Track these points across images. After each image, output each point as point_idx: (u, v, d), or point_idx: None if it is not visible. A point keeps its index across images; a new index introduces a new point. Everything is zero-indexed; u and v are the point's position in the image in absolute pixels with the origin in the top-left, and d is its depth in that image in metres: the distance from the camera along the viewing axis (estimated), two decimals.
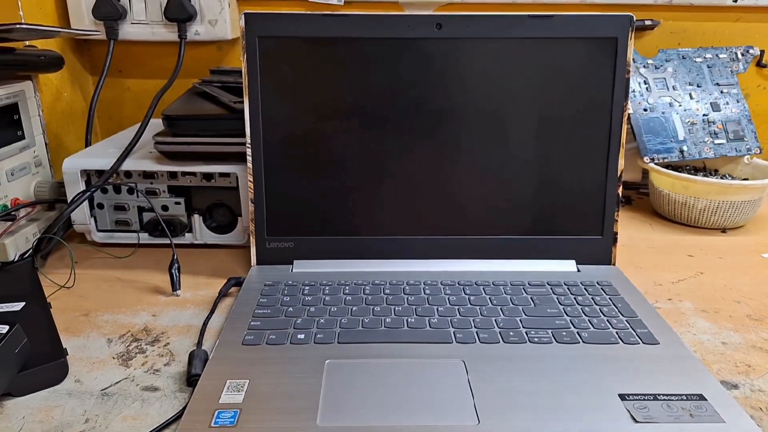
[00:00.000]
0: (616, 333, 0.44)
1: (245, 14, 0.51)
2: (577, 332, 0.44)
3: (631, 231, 0.68)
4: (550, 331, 0.44)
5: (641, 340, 0.43)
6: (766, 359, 0.43)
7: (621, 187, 0.54)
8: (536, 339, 0.43)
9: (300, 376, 0.38)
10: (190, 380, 0.39)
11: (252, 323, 0.45)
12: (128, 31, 0.77)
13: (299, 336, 0.43)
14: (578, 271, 0.54)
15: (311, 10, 0.81)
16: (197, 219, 0.60)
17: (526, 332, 0.44)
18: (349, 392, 0.37)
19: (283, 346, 0.42)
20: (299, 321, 0.45)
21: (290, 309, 0.47)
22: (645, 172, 0.74)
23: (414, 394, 0.37)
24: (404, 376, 0.39)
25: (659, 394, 0.37)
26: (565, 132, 0.53)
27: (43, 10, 0.73)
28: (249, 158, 0.53)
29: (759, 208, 0.68)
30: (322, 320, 0.45)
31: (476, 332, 0.44)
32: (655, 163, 0.70)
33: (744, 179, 0.71)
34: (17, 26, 0.52)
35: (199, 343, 0.44)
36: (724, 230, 0.68)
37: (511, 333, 0.44)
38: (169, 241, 0.55)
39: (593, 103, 0.53)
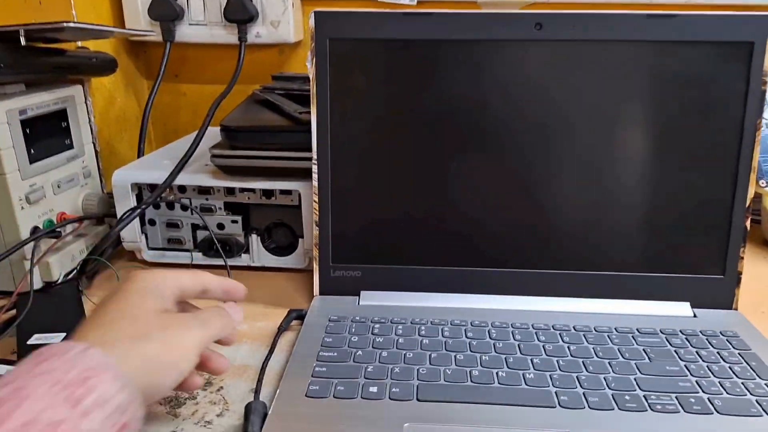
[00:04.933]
0: (756, 401, 0.36)
1: (315, 13, 0.45)
2: (708, 398, 0.37)
3: (745, 265, 0.58)
4: (674, 395, 0.37)
5: None
6: None
7: (749, 219, 0.46)
8: (659, 406, 0.36)
9: None
10: None
11: (317, 369, 0.39)
12: (185, 32, 0.73)
13: (371, 389, 0.37)
14: (694, 316, 0.46)
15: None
16: (255, 239, 0.55)
17: (644, 396, 0.37)
18: None
19: (353, 401, 0.36)
20: (370, 369, 0.39)
21: (359, 352, 0.41)
22: (758, 196, 0.65)
23: None
24: None
25: None
26: (685, 152, 0.45)
27: (96, 9, 0.69)
28: (315, 175, 0.47)
29: None
30: (396, 369, 0.39)
31: (583, 393, 0.37)
32: None
33: None
34: (66, 25, 0.47)
35: (257, 392, 0.38)
36: None
37: (626, 397, 0.37)
38: (224, 263, 0.51)
39: (720, 119, 0.45)
